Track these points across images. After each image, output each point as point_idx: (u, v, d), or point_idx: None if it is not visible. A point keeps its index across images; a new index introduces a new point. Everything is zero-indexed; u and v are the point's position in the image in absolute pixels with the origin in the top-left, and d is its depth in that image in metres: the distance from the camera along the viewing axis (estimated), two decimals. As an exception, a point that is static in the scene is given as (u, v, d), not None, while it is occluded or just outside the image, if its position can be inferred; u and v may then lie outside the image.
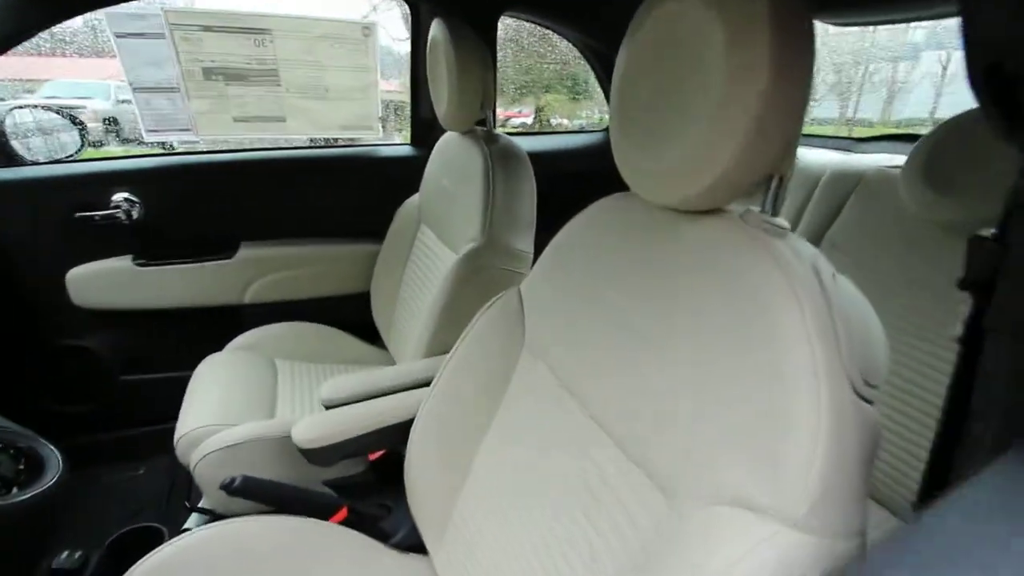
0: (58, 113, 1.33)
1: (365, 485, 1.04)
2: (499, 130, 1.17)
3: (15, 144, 1.20)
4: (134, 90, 1.21)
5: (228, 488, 0.87)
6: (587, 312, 0.66)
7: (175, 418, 1.05)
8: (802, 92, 0.45)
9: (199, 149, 1.42)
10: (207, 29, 1.19)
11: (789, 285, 0.44)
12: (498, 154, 1.08)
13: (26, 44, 1.00)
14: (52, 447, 0.79)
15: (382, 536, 0.89)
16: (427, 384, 0.95)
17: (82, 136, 1.35)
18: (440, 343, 1.05)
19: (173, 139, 1.31)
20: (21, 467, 0.75)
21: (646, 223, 0.62)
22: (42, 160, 1.26)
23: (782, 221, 0.50)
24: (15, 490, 0.72)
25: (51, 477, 0.76)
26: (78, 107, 1.85)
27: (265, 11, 1.24)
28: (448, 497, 0.79)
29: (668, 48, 0.52)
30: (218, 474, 0.95)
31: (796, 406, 0.41)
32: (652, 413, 0.54)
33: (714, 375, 0.48)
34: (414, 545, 0.85)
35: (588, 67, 1.71)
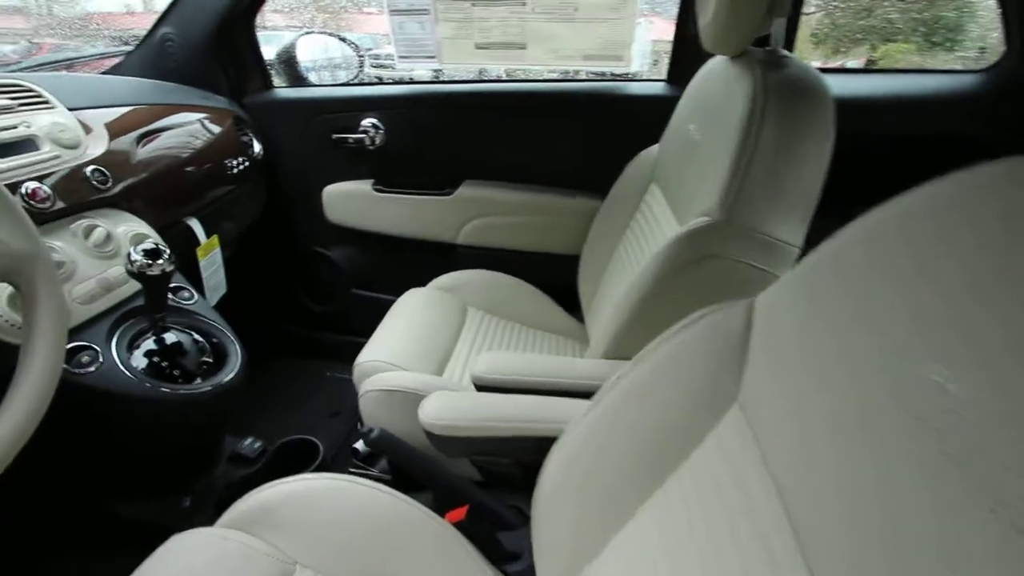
0: (343, 41, 1.45)
1: (512, 478, 0.88)
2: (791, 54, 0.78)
3: (302, 68, 1.35)
4: (390, 13, 1.20)
5: (365, 437, 0.81)
6: (872, 392, 0.33)
7: None
8: None
9: (441, 79, 1.39)
10: (458, -62, 1.09)
11: None
12: (778, 87, 0.71)
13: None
14: (238, 344, 0.84)
15: (497, 553, 0.72)
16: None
17: (360, 63, 1.46)
18: (629, 344, 0.78)
19: (420, 66, 1.29)
20: (209, 359, 0.81)
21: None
22: (322, 83, 1.39)
23: None
24: (198, 380, 0.78)
25: (230, 371, 0.81)
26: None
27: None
28: (574, 564, 0.57)
29: None
30: (373, 412, 0.91)
31: None
32: None
33: None
34: (528, 584, 0.66)
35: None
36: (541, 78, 1.35)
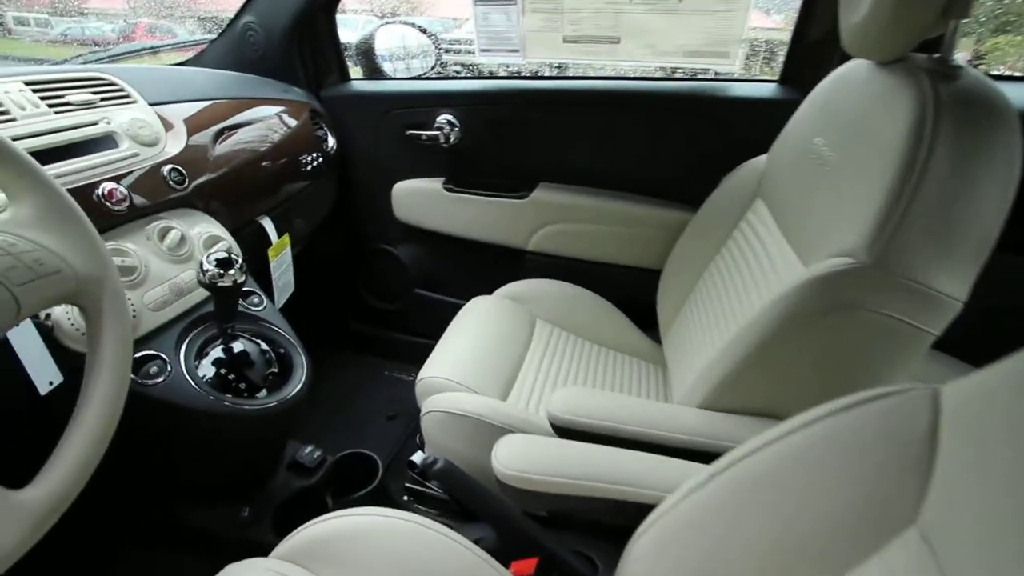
0: (423, 32, 1.39)
1: (587, 526, 0.81)
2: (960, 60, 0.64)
3: (381, 60, 1.30)
4: (475, 3, 1.13)
5: (428, 467, 0.76)
6: None
7: None
8: None
9: (522, 74, 1.30)
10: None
11: None
12: (952, 103, 0.57)
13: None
14: (304, 356, 0.80)
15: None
16: (697, 456, 0.63)
17: (438, 56, 1.39)
18: (737, 395, 0.67)
19: (501, 60, 1.21)
20: (275, 370, 0.77)
21: None
22: (399, 76, 1.34)
23: None
24: (264, 392, 0.75)
25: (295, 385, 0.77)
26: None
27: None
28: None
29: None
30: (435, 435, 0.86)
31: None
32: None
33: None
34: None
35: None
36: (632, 75, 1.24)
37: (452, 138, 1.24)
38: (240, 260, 0.67)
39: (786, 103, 0.99)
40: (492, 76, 1.40)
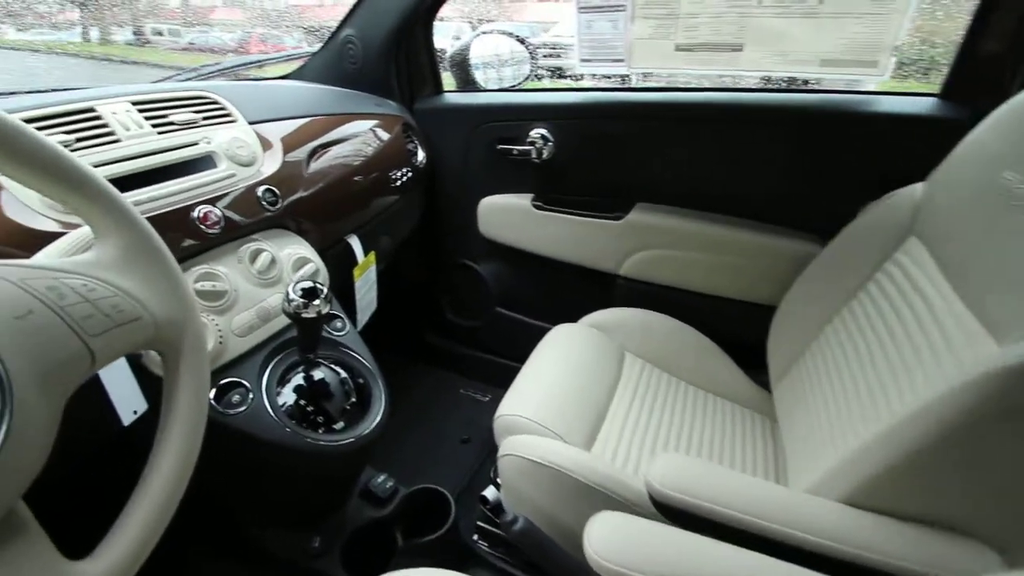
0: (521, 42, 1.33)
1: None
2: None
3: (474, 69, 1.25)
4: (579, 9, 1.05)
5: (507, 525, 0.69)
6: None
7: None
8: None
9: (625, 85, 1.21)
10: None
11: None
12: None
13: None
14: (383, 387, 0.77)
15: None
16: (836, 565, 0.51)
17: (532, 65, 1.33)
18: (894, 494, 0.54)
19: (604, 70, 1.12)
20: (354, 400, 0.74)
21: None
22: (490, 84, 1.29)
23: None
24: (340, 424, 0.71)
25: (372, 420, 0.73)
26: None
27: None
28: None
29: None
30: (513, 480, 0.79)
31: None
32: None
33: None
34: None
35: None
36: (749, 87, 1.11)
37: (545, 153, 1.17)
38: (325, 289, 0.64)
39: (950, 123, 0.83)
40: (579, 86, 1.31)
